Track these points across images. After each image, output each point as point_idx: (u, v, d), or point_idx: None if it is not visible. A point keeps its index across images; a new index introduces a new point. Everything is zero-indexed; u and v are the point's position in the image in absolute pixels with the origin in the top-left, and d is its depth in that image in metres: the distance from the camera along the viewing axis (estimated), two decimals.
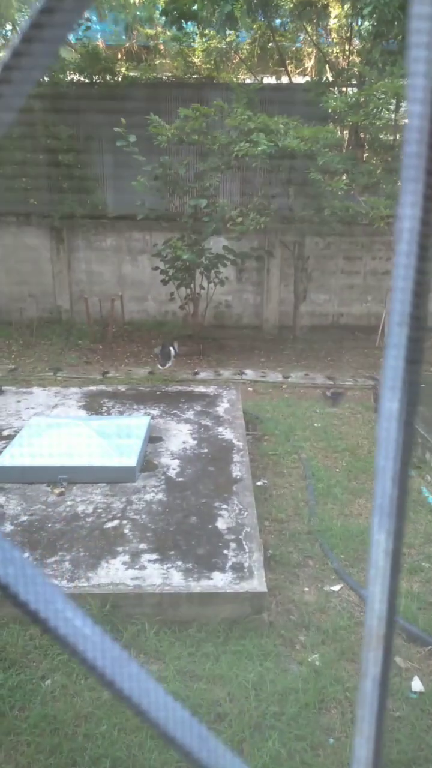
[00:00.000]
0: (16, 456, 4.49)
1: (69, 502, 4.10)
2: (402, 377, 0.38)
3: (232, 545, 3.65)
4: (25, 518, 3.91)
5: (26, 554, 3.54)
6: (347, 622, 3.43)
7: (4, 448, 4.73)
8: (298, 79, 10.07)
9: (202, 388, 6.52)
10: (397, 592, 0.41)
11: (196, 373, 7.80)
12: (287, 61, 10.13)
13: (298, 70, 10.51)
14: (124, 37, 10.67)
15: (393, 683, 3.06)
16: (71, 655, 0.41)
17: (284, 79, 10.06)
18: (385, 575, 0.40)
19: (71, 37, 10.02)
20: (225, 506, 4.09)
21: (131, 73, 9.84)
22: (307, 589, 3.71)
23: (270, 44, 9.84)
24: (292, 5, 8.95)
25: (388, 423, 0.39)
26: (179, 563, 3.47)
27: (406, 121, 0.37)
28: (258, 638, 3.23)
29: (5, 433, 5.21)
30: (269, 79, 10.30)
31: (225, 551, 3.59)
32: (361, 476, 5.07)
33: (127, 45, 10.75)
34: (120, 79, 9.46)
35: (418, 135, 0.35)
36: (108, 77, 9.36)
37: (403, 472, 0.39)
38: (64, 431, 4.94)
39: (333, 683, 3.02)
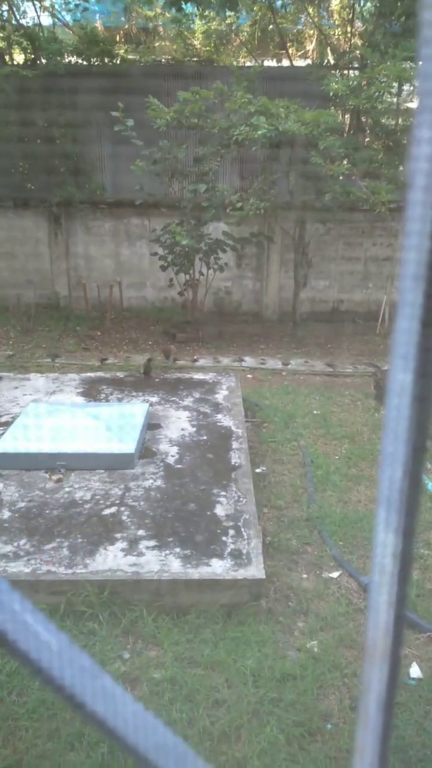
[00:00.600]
0: (14, 442, 4.47)
1: (67, 489, 4.09)
2: (416, 342, 0.32)
3: (231, 532, 3.64)
4: (23, 504, 3.89)
5: (24, 540, 3.53)
6: (346, 609, 3.42)
7: (2, 434, 4.71)
8: (299, 62, 9.94)
9: (201, 375, 6.49)
10: (405, 600, 0.36)
11: (195, 360, 7.76)
12: (288, 44, 9.99)
13: (299, 53, 10.38)
14: (123, 18, 10.52)
15: None
16: (32, 673, 0.35)
17: (285, 62, 9.93)
18: (393, 581, 0.35)
19: (69, 19, 9.88)
20: (224, 493, 4.08)
21: (130, 56, 9.71)
22: (305, 575, 3.71)
23: (271, 26, 9.70)
24: None
25: (399, 399, 0.33)
26: (178, 550, 3.46)
27: (417, 102, 0.33)
28: (256, 625, 3.23)
29: (3, 419, 5.19)
30: (270, 62, 10.17)
31: (224, 538, 3.58)
32: (361, 463, 5.05)
33: (126, 27, 10.61)
34: (118, 62, 9.33)
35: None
36: (106, 60, 9.23)
37: (415, 458, 0.34)
38: (62, 417, 4.92)
39: (331, 669, 3.02)
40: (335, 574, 3.72)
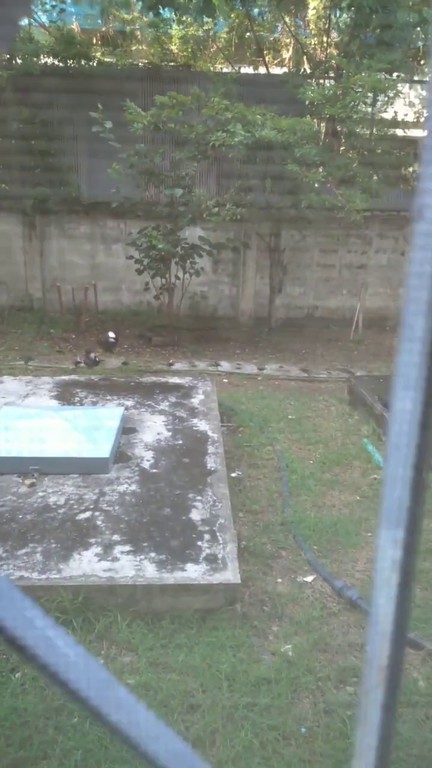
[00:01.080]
0: None
1: (40, 494, 4.04)
2: (418, 375, 0.34)
3: (206, 537, 3.64)
4: None
5: None
6: (320, 613, 3.45)
7: None
8: (276, 70, 10.03)
9: (177, 380, 6.48)
10: (408, 617, 0.37)
11: (171, 364, 7.75)
12: (265, 52, 10.07)
13: (275, 61, 10.46)
14: (99, 21, 10.48)
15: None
16: (53, 683, 0.36)
17: (262, 70, 10.01)
18: (396, 595, 0.36)
19: (45, 20, 9.81)
20: (199, 498, 4.07)
21: (107, 59, 9.68)
22: (280, 580, 3.72)
23: (248, 34, 9.77)
24: None
25: (401, 427, 0.35)
26: (153, 555, 3.45)
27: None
28: (231, 629, 3.23)
29: None
30: (246, 69, 10.24)
31: (199, 543, 3.57)
32: (335, 468, 5.10)
33: (103, 30, 10.57)
34: (95, 65, 9.29)
35: None
36: (83, 62, 9.19)
37: (418, 480, 0.35)
38: (36, 421, 4.86)
39: (305, 673, 3.04)
40: (309, 578, 3.74)
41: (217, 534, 3.66)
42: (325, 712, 2.86)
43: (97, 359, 6.87)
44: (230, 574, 3.31)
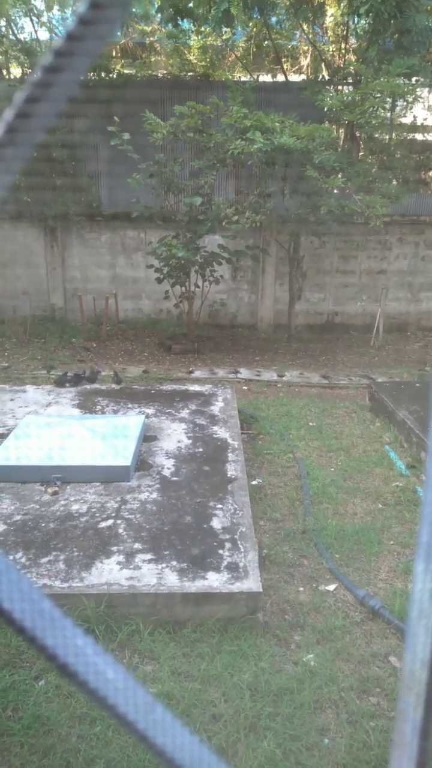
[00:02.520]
0: (9, 455, 4.46)
1: (63, 502, 4.08)
2: None
3: (227, 545, 3.64)
4: (18, 518, 3.88)
5: (20, 554, 3.52)
6: (342, 622, 3.42)
7: None
8: (294, 78, 10.05)
9: (197, 387, 6.51)
10: None
11: (191, 372, 7.78)
12: (283, 59, 10.11)
13: (293, 68, 10.49)
14: (119, 33, 10.62)
15: (388, 683, 3.06)
16: (102, 707, 0.37)
17: (280, 77, 10.04)
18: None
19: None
20: (220, 506, 4.08)
21: (126, 71, 9.80)
22: (302, 588, 3.70)
23: (266, 42, 9.82)
24: (288, 3, 8.93)
25: None
26: (174, 563, 3.46)
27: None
28: (253, 638, 3.22)
29: None
30: (265, 77, 10.28)
31: (220, 551, 3.57)
32: (356, 476, 5.06)
33: (123, 42, 10.70)
34: (115, 77, 9.41)
35: None
36: (103, 74, 9.32)
37: None
38: (58, 430, 4.91)
39: (328, 683, 3.01)
40: (331, 587, 3.72)
41: (239, 542, 3.66)
42: (348, 723, 2.84)
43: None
44: (252, 583, 3.30)
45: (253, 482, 4.84)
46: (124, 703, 0.36)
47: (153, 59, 10.68)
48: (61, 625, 0.37)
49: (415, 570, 0.37)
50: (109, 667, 0.37)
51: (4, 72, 9.34)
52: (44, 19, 9.64)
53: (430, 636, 0.37)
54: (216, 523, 3.87)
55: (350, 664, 3.15)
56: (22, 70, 9.50)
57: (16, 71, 9.65)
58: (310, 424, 6.11)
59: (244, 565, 3.44)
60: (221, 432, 5.29)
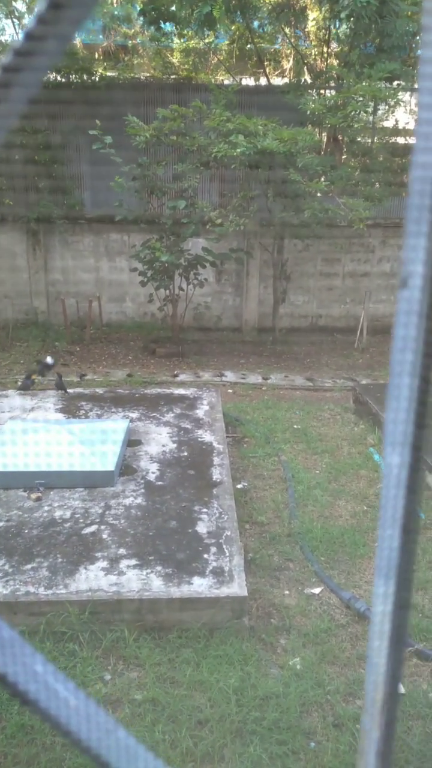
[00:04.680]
0: None
1: (46, 508, 4.04)
2: (410, 442, 0.34)
3: (213, 549, 3.62)
4: (1, 524, 3.84)
5: (2, 561, 3.48)
6: (328, 625, 3.42)
7: None
8: (277, 81, 10.09)
9: (181, 391, 6.49)
10: (401, 672, 0.37)
11: (176, 375, 7.76)
12: (265, 63, 10.15)
13: (276, 72, 10.53)
14: (101, 36, 10.60)
15: None
16: (55, 729, 0.36)
17: (263, 81, 10.07)
18: (390, 646, 0.37)
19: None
20: (205, 510, 4.06)
21: (109, 73, 9.77)
22: (287, 592, 3.70)
23: (248, 46, 9.85)
24: (270, 7, 8.97)
25: (392, 490, 0.35)
26: (159, 568, 3.44)
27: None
28: (239, 643, 3.21)
29: None
30: (248, 81, 10.31)
31: (205, 555, 3.56)
32: (341, 478, 5.08)
33: (105, 44, 10.68)
34: (97, 79, 9.38)
35: None
36: (85, 77, 9.28)
37: (407, 538, 0.36)
38: (41, 435, 4.87)
39: (314, 687, 3.01)
40: (317, 590, 3.72)
41: (224, 546, 3.65)
42: (335, 726, 2.83)
43: (33, 382, 6.52)
44: (237, 587, 3.29)
45: (239, 486, 4.83)
46: (78, 727, 0.35)
47: (136, 62, 10.67)
48: (11, 644, 0.35)
49: (375, 592, 0.37)
50: (61, 686, 0.36)
51: None
52: (25, 21, 9.58)
53: (383, 657, 0.36)
54: (201, 528, 3.86)
55: (336, 667, 3.15)
56: None
57: None
58: (295, 426, 6.12)
59: (229, 570, 3.43)
60: (206, 436, 5.28)
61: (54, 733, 2.73)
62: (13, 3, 9.11)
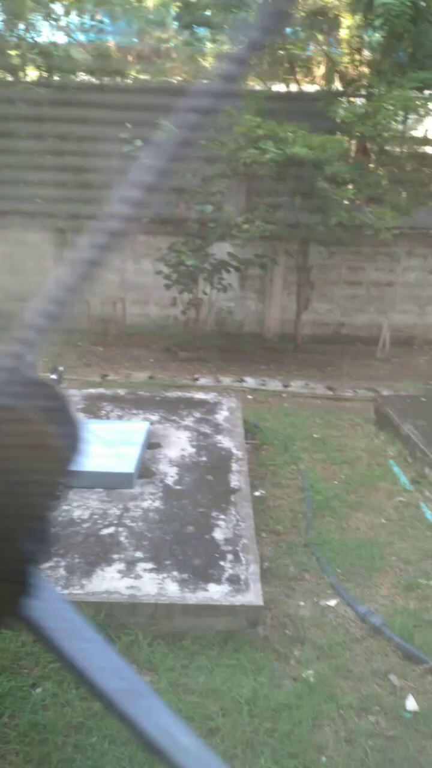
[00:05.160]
0: None
1: (65, 507, 4.07)
2: None
3: (229, 556, 3.62)
4: None
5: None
6: (343, 638, 3.40)
7: None
8: (307, 87, 10.08)
9: (202, 395, 6.50)
10: None
11: (196, 379, 7.77)
12: (296, 69, 10.14)
13: (307, 79, 10.52)
14: (135, 39, 10.69)
15: (388, 701, 3.03)
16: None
17: (293, 87, 10.07)
18: None
19: (83, 38, 10.04)
20: (223, 516, 4.06)
21: (141, 76, 9.85)
22: (302, 603, 3.68)
23: (280, 52, 9.84)
24: (303, 14, 8.96)
25: None
26: (175, 573, 3.44)
27: None
28: (252, 652, 3.20)
29: None
30: (278, 87, 10.31)
31: (221, 562, 3.56)
32: (360, 489, 5.04)
33: (139, 48, 10.77)
34: (130, 82, 9.46)
35: None
36: (118, 79, 9.36)
37: None
38: None
39: (327, 700, 2.99)
40: (332, 602, 3.70)
41: (240, 554, 3.64)
42: (347, 741, 2.81)
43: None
44: (253, 596, 3.29)
45: (256, 493, 4.82)
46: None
47: (168, 65, 10.73)
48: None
49: None
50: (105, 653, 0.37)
51: (21, 74, 9.38)
52: (62, 23, 9.70)
53: None
54: (218, 534, 3.86)
55: (350, 681, 3.13)
56: (39, 73, 9.56)
57: (33, 74, 9.71)
58: (315, 435, 6.09)
59: (245, 578, 3.43)
60: (225, 441, 5.28)
61: (66, 734, 2.75)
62: (51, 5, 9.22)
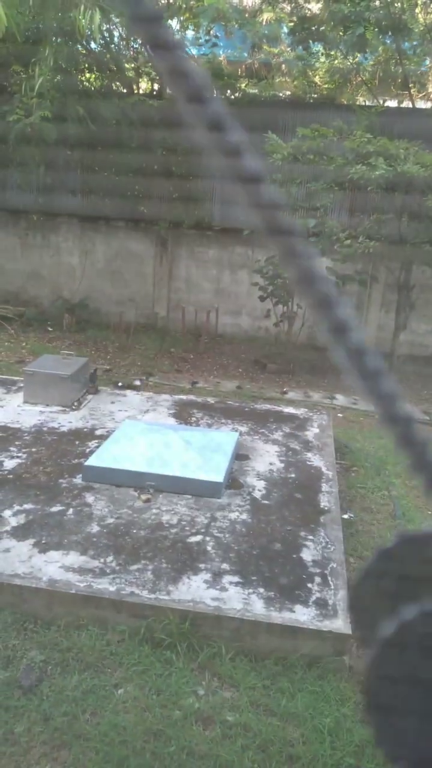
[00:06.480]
0: (107, 457, 4.55)
1: (154, 510, 4.11)
2: None
3: (317, 579, 3.52)
4: (111, 521, 3.95)
5: (111, 557, 3.57)
6: None
7: (97, 447, 4.82)
8: (421, 104, 9.82)
9: (291, 410, 6.41)
10: None
11: (285, 393, 7.69)
12: (410, 85, 9.90)
13: (421, 95, 10.25)
14: (245, 54, 10.80)
15: None
16: None
17: (406, 103, 9.84)
18: None
19: (195, 52, 10.27)
20: (311, 537, 3.96)
21: (251, 90, 9.93)
22: None
23: (396, 67, 9.65)
24: (422, 28, 8.75)
25: None
26: (261, 590, 3.38)
27: None
28: (337, 681, 3.08)
29: (98, 432, 5.32)
30: (390, 103, 10.11)
31: (309, 584, 3.47)
32: None
33: (249, 61, 10.87)
34: (239, 95, 9.56)
35: None
36: (228, 92, 9.49)
37: None
38: (155, 437, 4.97)
39: None
40: None
41: (329, 578, 3.53)
42: None
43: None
44: (341, 623, 3.17)
45: (344, 516, 4.68)
46: None
47: (278, 80, 10.77)
48: None
49: None
50: None
51: (134, 87, 9.71)
52: (177, 37, 9.96)
53: None
54: (306, 555, 3.76)
55: None
56: (150, 86, 9.86)
57: (144, 86, 10.02)
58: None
59: (333, 603, 3.32)
60: (315, 459, 5.17)
61: (145, 739, 2.74)
62: (168, 21, 9.49)
